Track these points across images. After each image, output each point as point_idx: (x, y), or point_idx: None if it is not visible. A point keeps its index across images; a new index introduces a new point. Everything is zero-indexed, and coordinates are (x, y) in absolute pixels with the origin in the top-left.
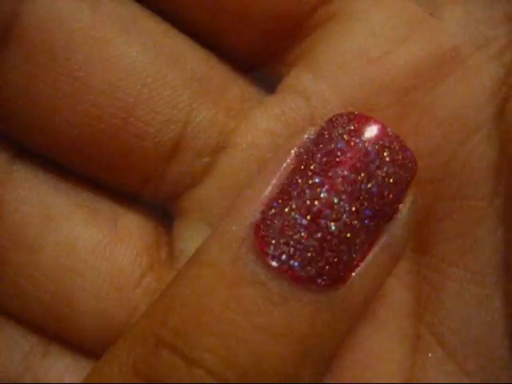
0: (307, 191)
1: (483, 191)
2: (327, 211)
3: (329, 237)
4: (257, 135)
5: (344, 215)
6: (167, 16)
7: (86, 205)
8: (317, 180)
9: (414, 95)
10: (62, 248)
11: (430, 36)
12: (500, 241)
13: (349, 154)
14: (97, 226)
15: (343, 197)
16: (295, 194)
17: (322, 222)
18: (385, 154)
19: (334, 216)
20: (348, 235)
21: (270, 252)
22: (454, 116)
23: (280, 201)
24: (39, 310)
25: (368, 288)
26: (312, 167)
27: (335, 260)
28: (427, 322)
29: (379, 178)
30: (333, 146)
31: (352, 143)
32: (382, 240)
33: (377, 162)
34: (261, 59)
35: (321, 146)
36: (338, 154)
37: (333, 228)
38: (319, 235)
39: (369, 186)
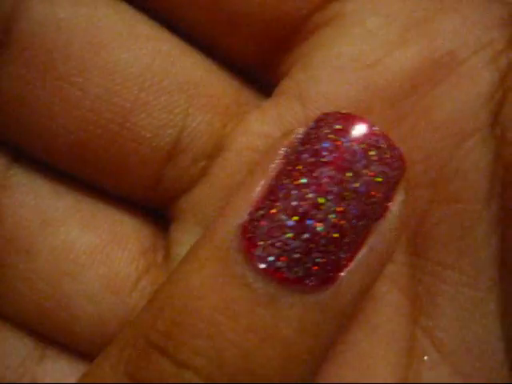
0: (294, 192)
1: (478, 195)
2: (314, 211)
3: (316, 237)
4: (253, 139)
5: (331, 215)
6: (164, 19)
7: (83, 209)
8: (303, 180)
9: (409, 99)
10: (59, 252)
11: (426, 40)
12: (495, 244)
13: (335, 154)
14: (94, 230)
15: (330, 197)
16: (282, 194)
17: (309, 222)
18: (372, 152)
19: (320, 216)
20: (335, 235)
21: (257, 253)
22: (449, 120)
23: (267, 202)
24: (36, 313)
25: (357, 288)
26: (299, 167)
27: (323, 260)
28: (422, 325)
29: (366, 177)
30: (319, 145)
31: (338, 142)
32: (372, 239)
33: (364, 161)
34: (257, 63)
35: (308, 146)
36: (325, 153)
37: (320, 228)
38: (306, 236)
39: (356, 185)
